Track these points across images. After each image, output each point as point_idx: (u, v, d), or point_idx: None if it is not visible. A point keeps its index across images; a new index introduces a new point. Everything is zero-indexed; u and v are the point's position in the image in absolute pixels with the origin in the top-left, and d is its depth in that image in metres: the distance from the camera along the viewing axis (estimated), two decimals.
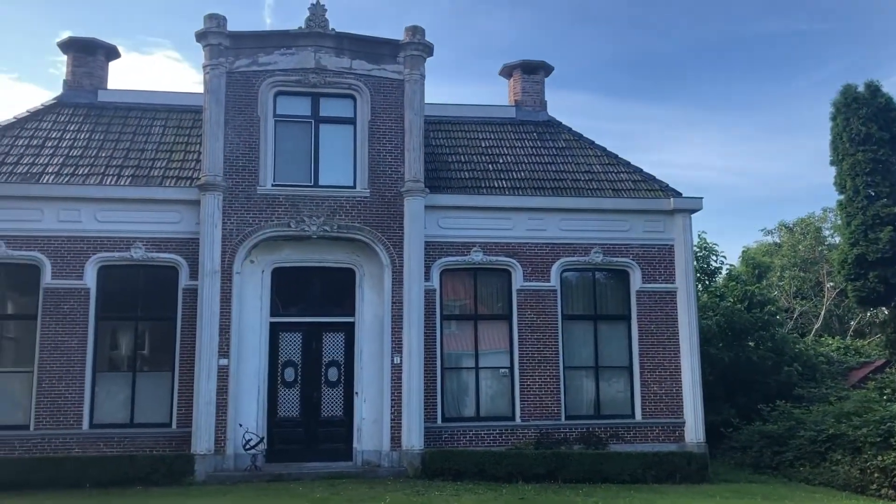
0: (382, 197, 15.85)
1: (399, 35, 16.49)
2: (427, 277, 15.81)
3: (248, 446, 14.79)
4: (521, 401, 15.90)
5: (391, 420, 15.07)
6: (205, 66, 15.83)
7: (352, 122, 16.26)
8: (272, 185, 15.71)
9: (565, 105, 62.78)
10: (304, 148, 16.10)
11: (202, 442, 14.38)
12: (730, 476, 15.84)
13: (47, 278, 14.98)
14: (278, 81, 16.02)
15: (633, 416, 16.29)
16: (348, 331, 15.88)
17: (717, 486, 14.18)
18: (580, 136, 19.06)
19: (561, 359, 16.16)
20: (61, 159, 16.17)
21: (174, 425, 14.86)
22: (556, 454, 14.64)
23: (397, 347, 15.33)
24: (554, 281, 16.37)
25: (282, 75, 16.02)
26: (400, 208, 15.79)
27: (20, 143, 16.46)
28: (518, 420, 15.83)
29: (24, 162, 15.97)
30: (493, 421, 15.88)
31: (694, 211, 17.08)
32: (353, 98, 16.27)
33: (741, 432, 18.35)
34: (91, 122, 17.39)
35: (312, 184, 15.92)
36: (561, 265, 16.46)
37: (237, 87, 15.81)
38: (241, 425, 14.88)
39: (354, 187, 15.94)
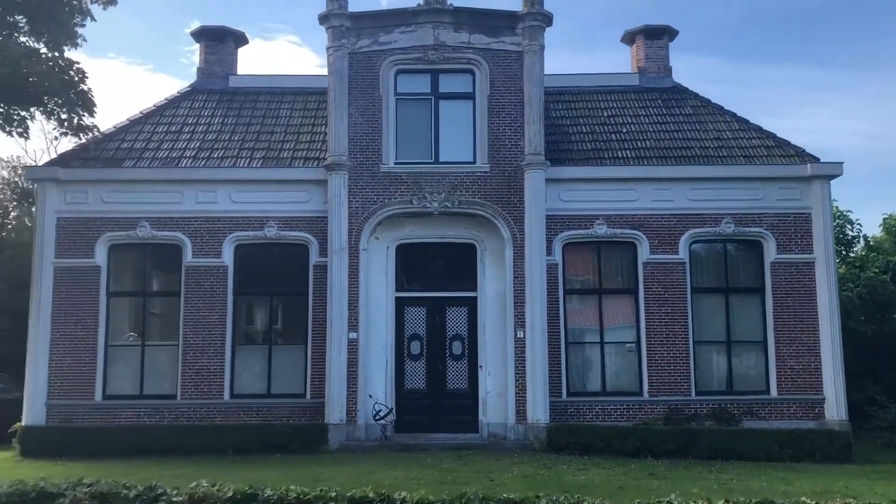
0: (502, 171, 15.80)
1: (517, 7, 16.32)
2: (549, 251, 15.68)
3: (377, 417, 15.25)
4: (648, 376, 15.58)
5: (515, 393, 15.12)
6: (328, 49, 16.22)
7: (471, 97, 16.26)
8: (395, 163, 15.97)
9: (691, 70, 60.19)
10: (425, 125, 16.25)
11: (335, 412, 14.92)
12: (876, 457, 14.93)
13: (188, 257, 15.87)
14: (398, 60, 16.21)
15: (767, 392, 15.65)
16: (471, 305, 16.01)
17: (861, 467, 13.42)
18: (708, 101, 18.30)
19: (690, 333, 15.69)
20: (197, 143, 17.03)
21: (308, 396, 15.49)
22: (687, 430, 14.28)
23: (520, 322, 15.31)
24: (682, 253, 15.88)
25: (402, 53, 16.20)
26: (520, 182, 15.69)
27: (160, 130, 17.45)
28: (646, 395, 15.53)
29: (164, 147, 16.93)
30: (619, 396, 15.66)
31: (833, 177, 16.11)
32: (472, 73, 16.25)
33: (888, 411, 17.22)
34: (223, 108, 18.20)
35: (433, 160, 16.06)
36: (689, 237, 15.94)
37: (359, 67, 16.11)
38: (370, 396, 15.33)
39: (474, 162, 15.96)
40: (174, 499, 5.55)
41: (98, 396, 15.50)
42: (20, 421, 15.34)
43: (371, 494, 5.50)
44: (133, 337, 16.10)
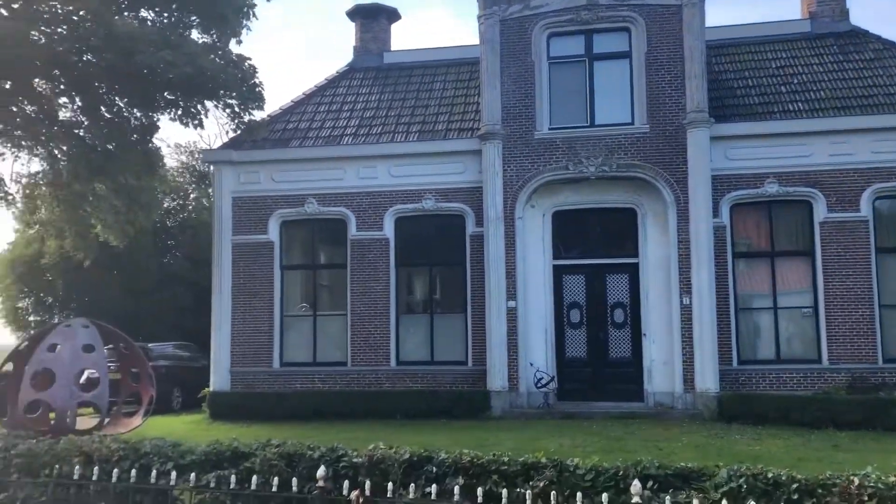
0: (663, 131, 15.19)
1: None
2: (715, 213, 14.96)
3: (539, 385, 15.26)
4: (828, 342, 14.58)
5: (682, 362, 14.62)
6: (479, 17, 16.17)
7: (626, 55, 15.70)
8: (549, 129, 15.76)
9: (871, 12, 55.07)
10: (579, 88, 15.89)
11: (496, 379, 15.08)
12: None
13: (353, 230, 16.47)
14: (550, 23, 15.90)
15: None
16: (632, 272, 15.60)
17: None
18: (892, 43, 16.66)
19: (875, 296, 14.51)
20: (357, 121, 17.58)
21: (469, 363, 15.74)
22: (875, 400, 13.23)
23: (685, 288, 14.75)
24: (864, 210, 14.66)
25: (554, 16, 15.87)
26: (682, 142, 15.02)
27: (322, 109, 18.16)
28: (825, 363, 14.55)
29: (327, 126, 17.61)
30: (795, 364, 14.77)
31: None
32: (628, 30, 15.67)
33: None
34: (379, 84, 18.64)
35: (588, 124, 15.70)
36: (873, 192, 14.68)
37: (511, 34, 15.96)
38: (531, 364, 15.36)
39: (632, 123, 15.45)
40: (354, 459, 5.79)
41: (276, 364, 16.50)
42: (208, 387, 16.62)
43: (543, 460, 5.48)
44: (305, 308, 16.97)
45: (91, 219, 18.69)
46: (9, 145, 16.65)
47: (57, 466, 6.22)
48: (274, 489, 5.84)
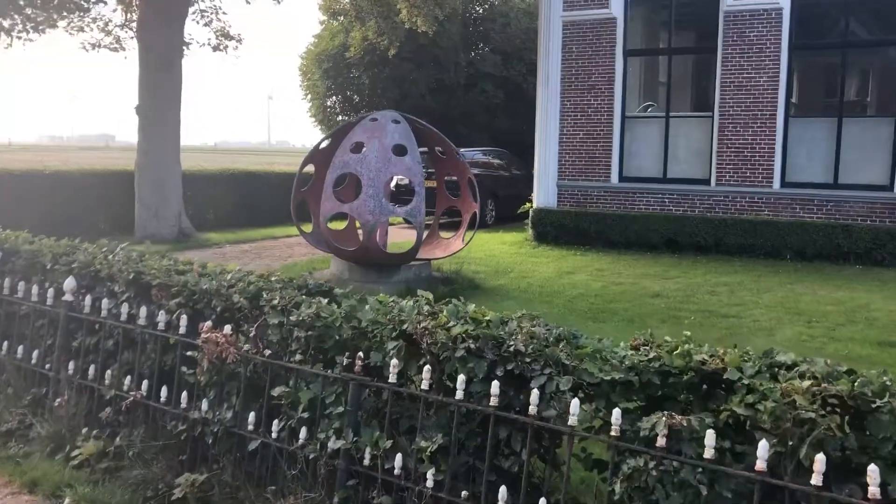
0: None
1: None
2: None
3: None
4: None
5: None
6: None
7: None
8: None
9: None
10: None
11: None
12: None
13: (728, 0, 11.92)
14: None
15: None
16: None
17: None
18: None
19: None
20: None
21: None
22: None
23: None
24: None
25: None
26: None
27: None
28: None
29: None
30: None
31: None
32: None
33: None
34: None
35: None
36: None
37: None
38: None
39: None
40: None
41: (614, 178, 13.08)
42: (528, 201, 13.86)
43: None
44: (653, 107, 13.14)
45: (397, 1, 16.08)
46: None
47: (359, 352, 3.38)
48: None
